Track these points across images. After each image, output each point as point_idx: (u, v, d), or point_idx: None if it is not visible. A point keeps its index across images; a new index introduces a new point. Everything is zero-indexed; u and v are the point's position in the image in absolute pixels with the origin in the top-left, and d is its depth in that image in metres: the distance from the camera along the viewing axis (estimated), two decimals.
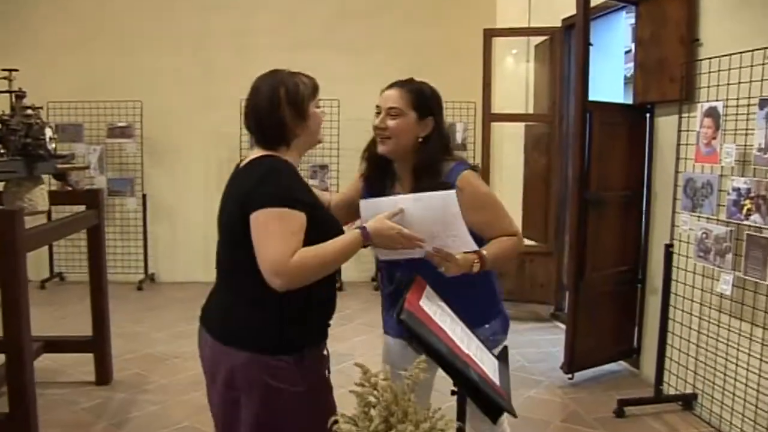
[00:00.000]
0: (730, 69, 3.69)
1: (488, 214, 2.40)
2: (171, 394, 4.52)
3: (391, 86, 2.45)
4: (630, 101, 4.93)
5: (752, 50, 3.51)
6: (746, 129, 3.56)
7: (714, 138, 3.73)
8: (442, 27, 7.82)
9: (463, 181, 2.33)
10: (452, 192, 2.11)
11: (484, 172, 6.49)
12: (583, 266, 4.62)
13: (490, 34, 6.42)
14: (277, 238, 1.96)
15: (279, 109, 2.11)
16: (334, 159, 7.57)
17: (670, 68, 4.39)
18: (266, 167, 2.07)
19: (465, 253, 2.22)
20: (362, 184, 2.58)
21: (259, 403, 2.08)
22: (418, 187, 2.30)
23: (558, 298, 6.43)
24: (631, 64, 5.05)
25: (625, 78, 6.57)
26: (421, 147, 2.39)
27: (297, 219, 1.99)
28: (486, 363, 1.98)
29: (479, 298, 2.46)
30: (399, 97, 2.39)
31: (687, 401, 4.19)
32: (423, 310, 1.82)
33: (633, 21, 6.66)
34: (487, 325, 2.46)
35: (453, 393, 1.89)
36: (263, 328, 2.08)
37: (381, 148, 2.42)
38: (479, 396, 1.71)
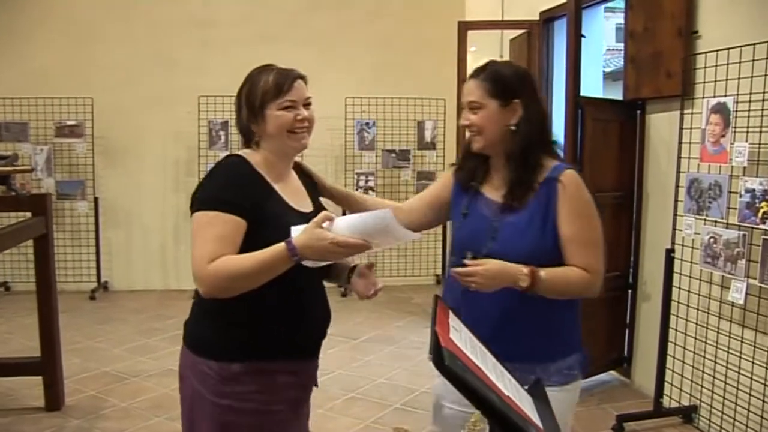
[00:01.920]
0: (740, 62, 3.44)
1: (581, 228, 2.07)
2: (132, 419, 4.10)
3: (467, 78, 2.18)
4: (610, 98, 4.70)
5: (762, 42, 3.28)
6: (760, 126, 3.31)
7: (723, 136, 3.47)
8: (410, 21, 7.54)
9: (568, 177, 2.07)
10: (388, 211, 1.82)
11: None
12: None
13: (464, 27, 6.15)
14: (200, 241, 1.90)
15: (240, 109, 2.10)
16: (299, 158, 7.17)
17: (665, 63, 4.15)
18: (216, 167, 2.06)
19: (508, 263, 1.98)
20: (453, 180, 2.32)
21: (187, 401, 2.09)
22: (513, 181, 2.10)
23: None
24: (608, 59, 4.82)
25: (604, 74, 6.36)
26: (512, 136, 2.11)
27: (228, 223, 1.90)
28: (523, 401, 1.66)
29: (563, 326, 2.18)
30: (475, 88, 2.12)
31: (687, 414, 3.97)
32: (457, 346, 1.48)
33: (606, 17, 6.53)
34: (567, 358, 2.16)
35: None
36: (196, 325, 2.10)
37: (474, 146, 2.17)
38: None
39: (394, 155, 7.38)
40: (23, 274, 6.95)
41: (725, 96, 3.50)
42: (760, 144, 3.31)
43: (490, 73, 2.13)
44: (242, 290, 1.88)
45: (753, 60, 3.36)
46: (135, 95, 7.22)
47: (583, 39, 4.44)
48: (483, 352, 1.71)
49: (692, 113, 3.82)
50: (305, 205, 2.14)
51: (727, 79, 3.54)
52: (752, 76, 3.36)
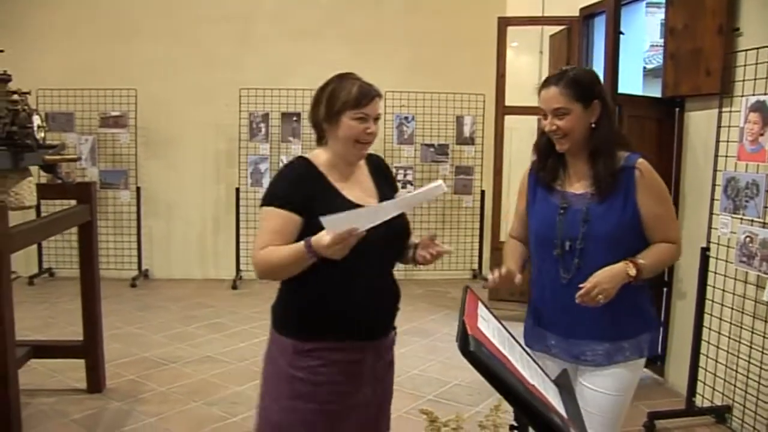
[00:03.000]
0: None
1: (662, 207, 2.33)
2: (170, 403, 4.20)
3: (546, 85, 2.34)
4: (648, 95, 4.66)
5: None
6: None
7: (762, 134, 3.44)
8: (448, 16, 7.53)
9: (642, 165, 2.30)
10: (440, 183, 2.09)
11: (497, 167, 6.23)
12: None
13: (504, 23, 6.14)
14: (259, 233, 2.21)
15: (317, 105, 2.26)
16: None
17: (705, 60, 4.12)
18: (282, 167, 2.33)
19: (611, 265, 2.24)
20: (529, 179, 2.52)
21: (268, 373, 2.34)
22: (594, 174, 2.30)
23: None
24: (651, 56, 4.79)
25: (644, 70, 6.30)
26: (594, 132, 2.32)
27: (280, 218, 2.15)
28: (549, 391, 1.69)
29: (644, 303, 2.42)
30: (559, 95, 2.29)
31: (720, 414, 3.94)
32: (484, 335, 1.52)
33: (650, 13, 6.47)
34: (645, 334, 2.39)
35: (512, 428, 1.62)
36: (277, 305, 2.31)
37: (560, 147, 2.35)
38: None
39: (432, 150, 7.40)
40: (67, 261, 7.16)
41: (765, 94, 3.46)
42: None
43: (569, 79, 2.30)
44: (283, 277, 2.20)
45: None
46: (177, 87, 7.35)
47: (622, 36, 4.44)
48: (511, 343, 1.75)
49: (731, 111, 3.78)
50: (369, 197, 2.29)
51: (767, 78, 3.50)
52: None
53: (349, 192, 2.24)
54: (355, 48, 7.26)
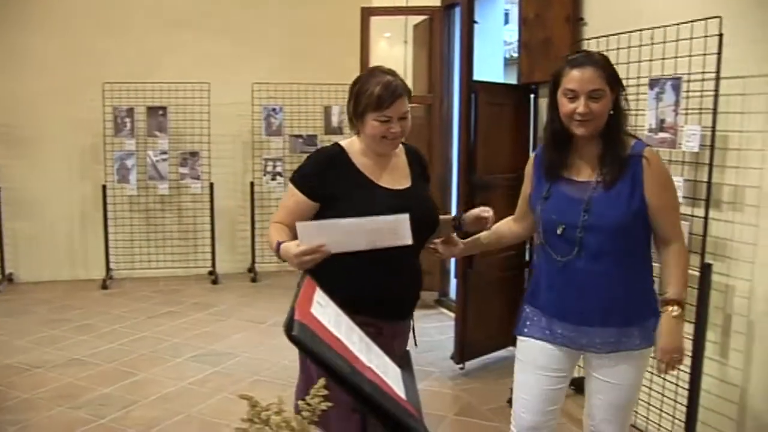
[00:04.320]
0: (618, 48, 3.60)
1: (668, 198, 2.32)
2: (35, 410, 4.04)
3: (580, 64, 2.25)
4: (506, 82, 4.84)
5: (639, 30, 3.45)
6: (636, 110, 3.47)
7: None
8: (316, 6, 7.54)
9: (650, 153, 2.29)
10: (405, 216, 2.13)
11: None
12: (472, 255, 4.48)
13: (368, 13, 6.19)
14: (280, 204, 2.46)
15: (349, 101, 2.38)
16: (205, 146, 7.16)
17: (555, 48, 4.31)
18: (317, 149, 2.52)
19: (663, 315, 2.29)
20: (535, 165, 2.49)
21: None
22: (604, 161, 2.28)
23: (444, 285, 6.30)
24: (510, 47, 4.97)
25: (505, 60, 6.51)
26: (610, 117, 2.29)
27: (294, 197, 2.36)
28: (390, 374, 1.74)
29: (650, 287, 2.41)
30: (598, 77, 2.22)
31: (579, 384, 4.13)
32: (316, 320, 1.55)
33: (510, 4, 6.68)
34: (654, 319, 2.35)
35: (354, 411, 1.66)
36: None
37: (581, 131, 2.26)
38: (387, 417, 1.47)
39: (301, 140, 7.39)
40: None
41: None
42: (636, 126, 3.44)
43: (602, 61, 2.27)
44: None
45: (629, 47, 3.53)
46: (39, 81, 6.99)
47: (479, 25, 4.57)
48: (350, 327, 1.79)
49: None
50: (401, 183, 2.43)
51: (615, 64, 3.68)
52: (628, 62, 3.53)
53: (378, 178, 2.37)
54: (223, 39, 7.19)
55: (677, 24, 3.25)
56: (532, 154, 2.55)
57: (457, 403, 4.18)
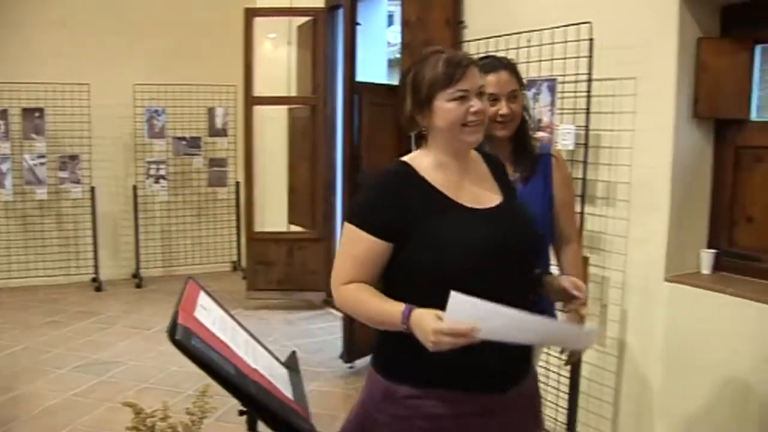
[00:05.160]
0: (496, 51, 3.69)
1: (572, 195, 2.48)
2: None
3: (494, 69, 2.34)
4: (388, 83, 4.90)
5: (516, 33, 3.56)
6: None
7: None
8: (199, 6, 7.36)
9: (557, 152, 2.46)
10: (595, 331, 1.90)
11: (248, 157, 6.22)
12: None
13: (251, 14, 6.12)
14: (339, 255, 1.83)
15: (403, 101, 1.84)
16: (86, 149, 6.88)
17: None
18: (377, 174, 1.89)
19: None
20: None
21: (358, 409, 1.93)
22: (524, 156, 2.36)
23: (329, 285, 6.28)
24: (393, 48, 5.04)
25: (389, 61, 6.58)
26: (522, 118, 2.40)
27: (363, 243, 1.75)
28: (276, 375, 1.74)
29: None
30: (511, 78, 2.35)
31: None
32: (200, 324, 1.53)
33: (393, 6, 6.76)
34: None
35: (241, 413, 1.64)
36: (376, 337, 1.88)
37: (504, 132, 2.36)
38: (275, 418, 1.47)
39: (184, 143, 7.23)
40: None
41: None
42: None
43: (510, 64, 2.39)
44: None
45: (507, 49, 3.63)
46: None
47: (361, 26, 4.61)
48: (235, 330, 1.77)
49: None
50: (489, 199, 1.86)
51: None
52: None
53: (460, 195, 1.80)
54: (103, 39, 6.89)
55: (552, 28, 3.38)
56: None
57: (349, 402, 4.18)
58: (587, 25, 3.18)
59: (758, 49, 3.19)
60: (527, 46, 3.55)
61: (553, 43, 3.40)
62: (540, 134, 3.29)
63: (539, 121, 3.38)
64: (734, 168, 3.21)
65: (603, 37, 3.18)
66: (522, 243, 1.80)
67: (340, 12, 5.90)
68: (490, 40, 3.75)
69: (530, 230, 1.87)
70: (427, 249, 1.69)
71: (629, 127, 3.23)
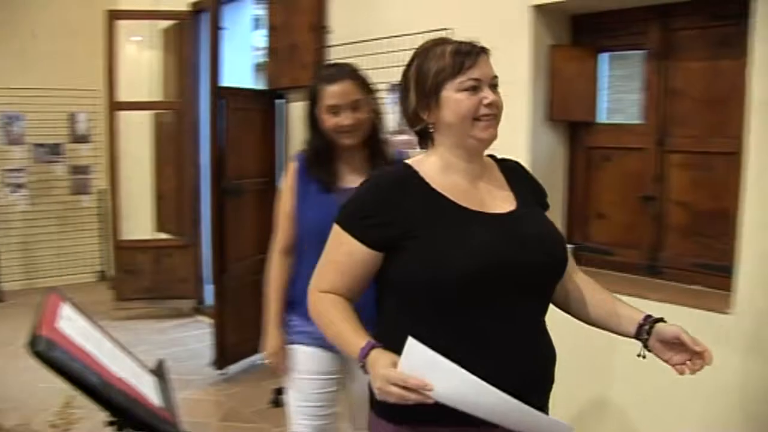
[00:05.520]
0: (360, 56, 3.77)
1: None
2: None
3: (335, 79, 2.29)
4: (254, 88, 4.93)
5: (379, 39, 3.66)
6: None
7: None
8: (59, 9, 7.06)
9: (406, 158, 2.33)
10: (567, 427, 1.44)
11: (112, 164, 6.06)
12: (224, 258, 4.49)
13: (113, 16, 5.96)
14: (323, 258, 1.67)
15: (406, 94, 1.66)
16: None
17: (301, 55, 4.44)
18: (377, 173, 1.72)
19: None
20: (299, 178, 2.37)
21: None
22: (372, 165, 2.28)
23: (199, 292, 6.22)
24: (260, 53, 5.05)
25: (256, 65, 6.56)
26: (371, 123, 2.34)
27: (346, 247, 1.59)
28: (143, 383, 1.73)
29: None
30: (355, 87, 2.29)
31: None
32: (62, 334, 1.51)
33: (260, 10, 6.73)
34: None
35: (109, 424, 1.62)
36: None
37: (350, 141, 2.29)
38: (142, 427, 1.47)
39: (45, 149, 6.94)
40: None
41: None
42: None
43: (353, 71, 2.33)
44: None
45: (371, 54, 3.73)
46: None
47: (227, 30, 4.59)
48: (101, 340, 1.76)
49: None
50: (501, 206, 1.63)
51: None
52: (371, 69, 3.71)
53: (468, 200, 1.58)
54: None
55: (414, 34, 3.49)
56: (291, 166, 2.41)
57: (221, 409, 4.17)
58: (446, 31, 3.31)
59: (604, 57, 3.44)
60: (390, 51, 3.64)
61: (413, 49, 3.50)
62: (399, 137, 3.42)
63: (401, 125, 3.48)
64: (586, 167, 3.44)
65: None
66: (536, 257, 1.54)
67: (205, 16, 5.86)
68: (354, 45, 3.83)
69: (549, 245, 1.61)
70: (424, 259, 1.49)
71: None
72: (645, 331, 1.57)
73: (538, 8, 3.25)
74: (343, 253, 1.59)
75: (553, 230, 1.66)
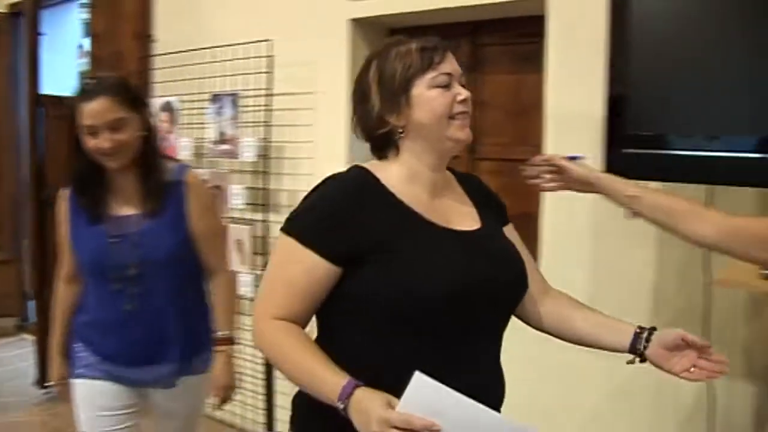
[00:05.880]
0: (184, 65, 3.78)
1: (211, 223, 2.23)
2: None
3: (89, 97, 1.99)
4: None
5: (205, 48, 3.66)
6: (199, 123, 3.71)
7: (171, 132, 3.79)
8: None
9: (193, 177, 2.19)
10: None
11: None
12: (46, 272, 4.32)
13: None
14: (270, 279, 1.42)
15: (365, 98, 1.46)
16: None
17: (125, 63, 4.35)
18: (328, 178, 1.45)
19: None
20: (70, 206, 2.16)
21: None
22: (151, 187, 2.08)
23: (23, 309, 5.90)
24: (85, 59, 4.91)
25: (80, 73, 6.34)
26: (144, 143, 2.08)
27: (303, 263, 1.36)
28: None
29: (202, 323, 2.27)
30: (114, 105, 1.99)
31: None
32: None
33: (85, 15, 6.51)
34: (210, 350, 2.26)
35: None
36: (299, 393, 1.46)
37: (114, 164, 2.04)
38: None
39: None
40: None
41: (172, 96, 3.81)
42: (201, 139, 3.73)
43: (112, 86, 2.03)
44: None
45: (194, 64, 3.73)
46: None
47: (45, 36, 4.44)
48: None
49: None
50: (466, 222, 1.51)
51: (174, 81, 3.86)
52: (194, 79, 3.73)
53: (433, 215, 1.45)
54: None
55: (235, 45, 3.52)
56: (62, 194, 2.22)
57: (45, 429, 4.01)
58: (267, 42, 3.36)
59: None
60: (212, 62, 3.65)
61: (235, 59, 3.54)
62: (220, 147, 3.40)
63: (223, 134, 3.51)
64: None
65: (283, 55, 3.39)
66: (505, 276, 1.47)
67: (24, 20, 5.62)
68: (178, 54, 3.81)
69: (513, 263, 1.53)
70: (392, 276, 1.35)
71: (308, 139, 3.46)
72: (643, 339, 1.47)
73: (357, 21, 3.35)
74: (301, 272, 1.37)
75: (514, 249, 1.57)
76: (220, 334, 2.24)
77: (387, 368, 1.31)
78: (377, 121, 1.44)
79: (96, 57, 4.64)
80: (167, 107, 3.80)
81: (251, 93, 3.47)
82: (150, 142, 2.11)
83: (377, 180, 1.43)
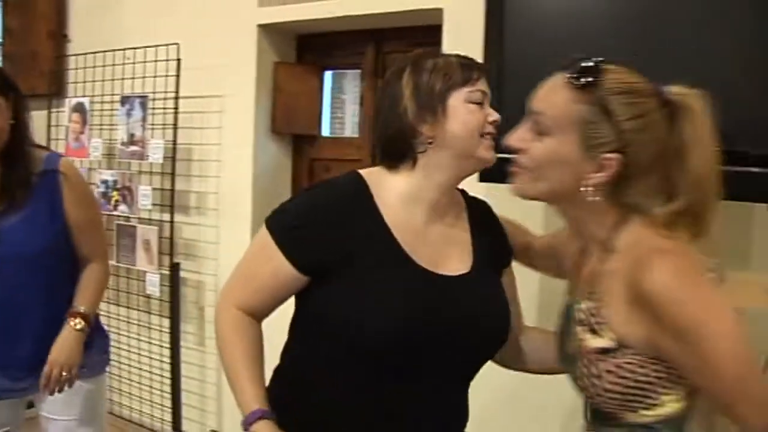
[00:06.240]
0: (95, 66, 3.79)
1: (89, 213, 2.13)
2: None
3: None
4: None
5: (116, 50, 3.68)
6: (111, 124, 3.72)
7: (82, 133, 3.80)
8: None
9: (67, 167, 2.05)
10: None
11: None
12: None
13: None
14: (242, 267, 1.45)
15: (397, 103, 1.39)
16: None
17: (39, 62, 4.32)
18: (325, 182, 1.47)
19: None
20: None
21: None
22: (14, 179, 1.95)
23: None
24: None
25: None
26: (12, 133, 1.94)
27: (272, 261, 1.37)
28: None
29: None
30: None
31: None
32: None
33: None
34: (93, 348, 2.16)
35: None
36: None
37: None
38: None
39: None
40: None
41: (83, 96, 3.82)
42: (111, 140, 3.74)
43: None
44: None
45: (106, 65, 3.75)
46: None
47: None
48: None
49: (58, 112, 4.05)
50: (453, 264, 1.45)
51: (85, 81, 3.86)
52: (104, 80, 3.75)
53: (417, 248, 1.40)
54: None
55: (144, 47, 3.56)
56: None
57: None
58: (175, 46, 3.40)
59: (328, 74, 3.69)
60: (123, 63, 3.67)
61: (145, 62, 3.57)
62: (129, 149, 3.38)
63: (132, 135, 3.54)
64: (309, 177, 3.66)
65: (192, 58, 3.43)
66: (468, 339, 1.40)
67: None
68: (92, 55, 3.81)
69: (493, 318, 1.45)
70: (337, 300, 1.35)
71: (216, 142, 3.52)
72: None
73: (264, 27, 3.42)
74: (269, 270, 1.39)
75: (499, 298, 1.48)
76: (74, 308, 2.08)
77: (322, 384, 1.39)
78: (408, 128, 1.38)
79: (8, 55, 4.58)
80: (79, 108, 3.80)
81: (160, 95, 3.51)
82: (19, 131, 1.98)
83: (370, 196, 1.40)
